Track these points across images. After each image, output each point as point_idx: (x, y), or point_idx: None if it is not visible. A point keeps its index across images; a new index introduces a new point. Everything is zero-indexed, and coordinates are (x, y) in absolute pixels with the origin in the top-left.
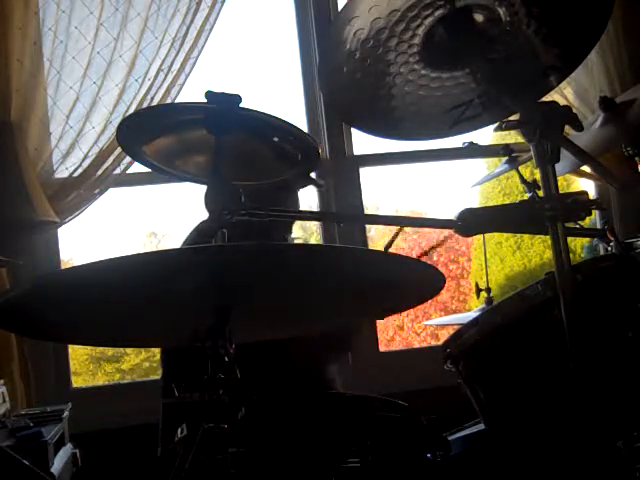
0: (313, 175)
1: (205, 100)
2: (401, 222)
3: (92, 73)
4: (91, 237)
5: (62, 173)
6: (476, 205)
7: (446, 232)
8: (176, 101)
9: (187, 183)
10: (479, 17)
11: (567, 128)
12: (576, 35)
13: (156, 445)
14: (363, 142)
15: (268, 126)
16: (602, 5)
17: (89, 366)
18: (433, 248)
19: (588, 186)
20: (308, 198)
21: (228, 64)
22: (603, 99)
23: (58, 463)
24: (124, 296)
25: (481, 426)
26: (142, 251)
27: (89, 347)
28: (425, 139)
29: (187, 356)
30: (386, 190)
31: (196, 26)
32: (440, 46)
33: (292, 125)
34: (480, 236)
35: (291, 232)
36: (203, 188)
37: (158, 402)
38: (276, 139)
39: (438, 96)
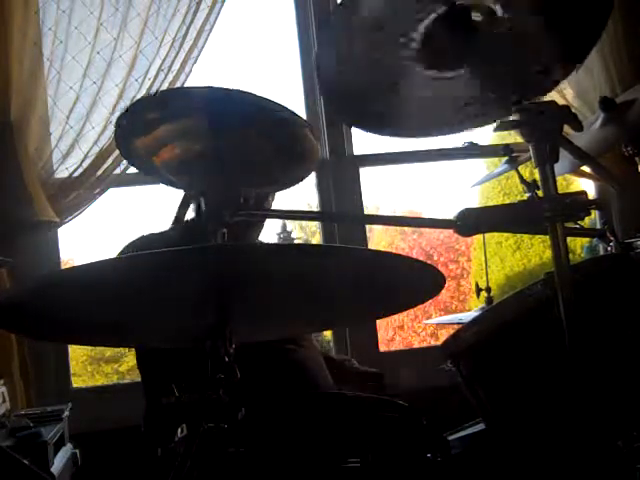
0: None
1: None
2: (401, 222)
3: (92, 73)
4: (91, 237)
5: (62, 173)
6: (476, 205)
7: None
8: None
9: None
10: (479, 17)
11: (567, 128)
12: (576, 35)
13: (156, 445)
14: (363, 142)
15: (267, 123)
16: (602, 5)
17: (87, 367)
18: None
19: (588, 186)
20: (308, 198)
21: (228, 64)
22: (603, 99)
23: (58, 463)
24: (124, 296)
25: (481, 426)
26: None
27: (88, 348)
28: (425, 137)
29: (163, 358)
30: (386, 190)
31: (196, 26)
32: (439, 45)
33: (293, 114)
34: (480, 236)
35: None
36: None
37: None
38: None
39: (438, 95)
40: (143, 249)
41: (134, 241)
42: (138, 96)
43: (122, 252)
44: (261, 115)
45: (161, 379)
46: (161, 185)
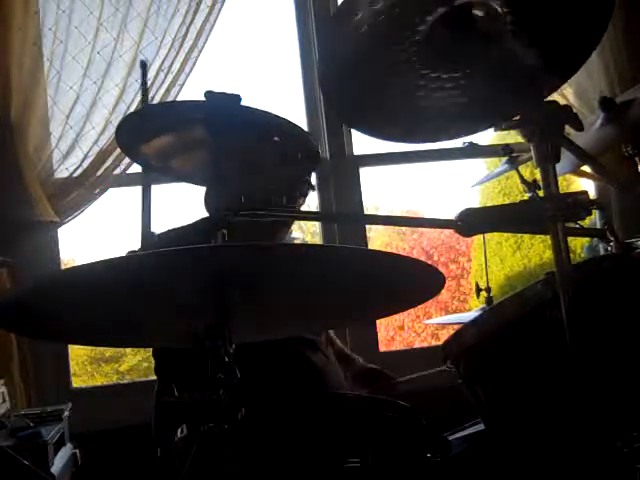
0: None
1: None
2: (401, 222)
3: (92, 73)
4: (91, 237)
5: (62, 173)
6: (476, 205)
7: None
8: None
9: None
10: (479, 17)
11: (567, 128)
12: (577, 35)
13: (156, 445)
14: (363, 142)
15: (268, 124)
16: (603, 5)
17: (87, 367)
18: None
19: (588, 186)
20: (308, 198)
21: (228, 64)
22: (603, 99)
23: (58, 463)
24: (124, 296)
25: (481, 426)
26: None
27: (88, 348)
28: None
29: (176, 353)
30: (386, 190)
31: (196, 26)
32: (440, 45)
33: (292, 123)
34: (480, 236)
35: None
36: (202, 188)
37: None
38: (277, 139)
39: (438, 97)
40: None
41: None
42: (138, 96)
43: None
44: (263, 129)
45: (177, 377)
46: (161, 185)
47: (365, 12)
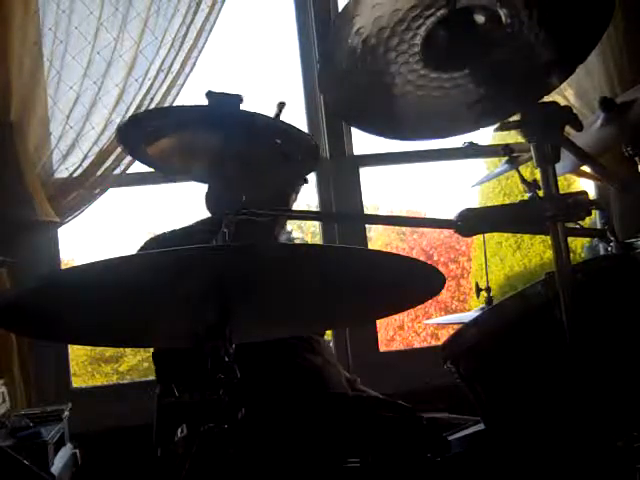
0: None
1: (205, 100)
2: (401, 222)
3: (92, 73)
4: (91, 237)
5: (62, 173)
6: (476, 205)
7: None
8: (176, 101)
9: (187, 183)
10: (480, 18)
11: (567, 128)
12: (577, 36)
13: (156, 445)
14: (363, 142)
15: (269, 128)
16: (604, 6)
17: (87, 367)
18: None
19: (588, 186)
20: (308, 198)
21: (228, 64)
22: (603, 99)
23: (58, 463)
24: (124, 296)
25: (481, 426)
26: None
27: (88, 348)
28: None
29: (176, 356)
30: (386, 190)
31: (196, 26)
32: (441, 47)
33: (292, 126)
34: (480, 236)
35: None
36: (203, 187)
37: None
38: (278, 141)
39: (438, 96)
40: (165, 245)
41: (156, 237)
42: (138, 96)
43: (143, 247)
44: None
45: (177, 377)
46: (160, 185)
47: (366, 14)
